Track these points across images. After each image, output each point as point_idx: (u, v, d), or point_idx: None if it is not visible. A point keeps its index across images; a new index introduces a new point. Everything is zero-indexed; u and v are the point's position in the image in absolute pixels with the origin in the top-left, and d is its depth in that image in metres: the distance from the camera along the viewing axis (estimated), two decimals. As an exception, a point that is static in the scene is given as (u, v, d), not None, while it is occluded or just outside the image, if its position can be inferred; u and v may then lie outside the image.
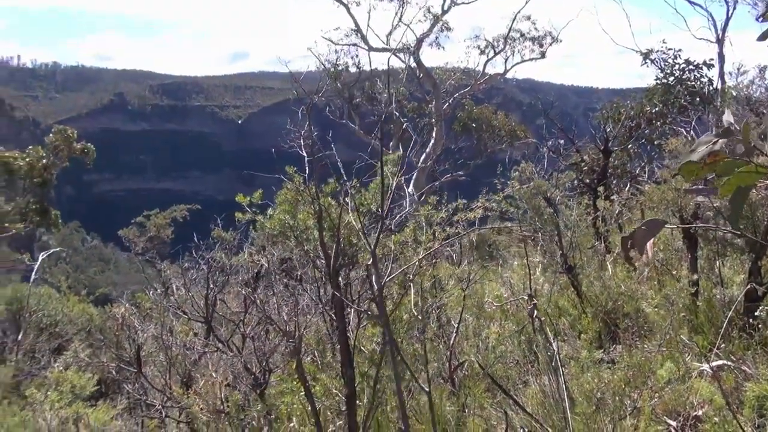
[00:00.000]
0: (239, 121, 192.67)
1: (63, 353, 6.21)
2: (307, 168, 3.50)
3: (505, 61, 27.29)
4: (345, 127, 27.74)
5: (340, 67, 27.36)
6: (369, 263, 3.15)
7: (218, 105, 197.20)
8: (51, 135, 26.14)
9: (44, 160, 25.57)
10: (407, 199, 5.69)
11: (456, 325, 5.14)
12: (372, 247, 2.94)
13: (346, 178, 3.57)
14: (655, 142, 13.36)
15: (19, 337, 7.18)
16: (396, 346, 3.22)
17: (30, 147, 26.15)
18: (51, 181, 27.53)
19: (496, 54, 26.91)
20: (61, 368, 4.77)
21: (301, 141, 3.47)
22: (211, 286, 6.01)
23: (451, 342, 4.88)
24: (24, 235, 28.12)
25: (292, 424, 4.05)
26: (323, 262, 3.47)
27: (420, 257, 3.90)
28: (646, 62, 19.09)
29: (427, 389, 3.21)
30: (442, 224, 4.95)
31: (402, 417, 3.11)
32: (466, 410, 4.27)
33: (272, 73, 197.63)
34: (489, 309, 6.43)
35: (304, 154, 3.46)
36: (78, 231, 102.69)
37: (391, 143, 25.78)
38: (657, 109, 15.36)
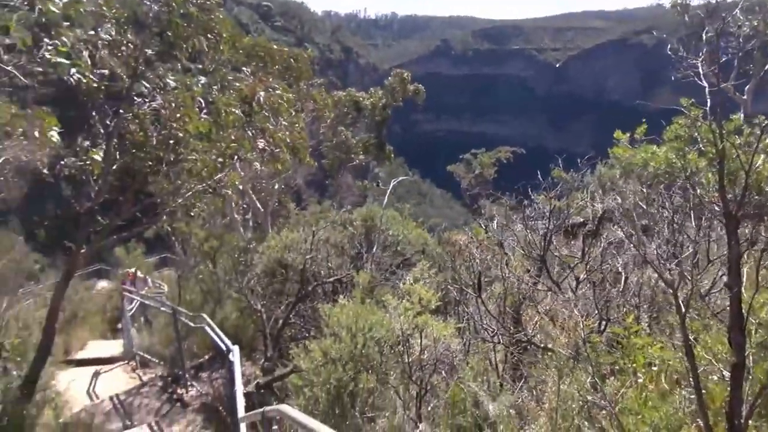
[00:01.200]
0: (556, 65, 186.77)
1: (411, 269, 7.10)
2: (708, 100, 3.04)
3: None
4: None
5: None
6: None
7: (536, 48, 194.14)
8: (390, 78, 29.33)
9: (383, 100, 28.93)
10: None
11: None
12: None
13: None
14: None
15: (374, 249, 8.43)
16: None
17: (372, 89, 29.81)
18: (388, 119, 31.04)
19: None
20: (411, 281, 5.38)
21: (699, 69, 3.01)
22: (549, 226, 5.99)
23: None
24: (362, 166, 32.61)
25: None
26: (720, 208, 3.02)
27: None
28: None
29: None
30: None
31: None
32: None
33: (597, 12, 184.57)
34: None
35: (705, 84, 3.01)
36: (402, 166, 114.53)
37: (747, 87, 21.71)
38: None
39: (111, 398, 10.69)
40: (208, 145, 8.22)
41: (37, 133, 5.73)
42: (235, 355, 6.34)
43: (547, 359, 4.64)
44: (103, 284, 26.57)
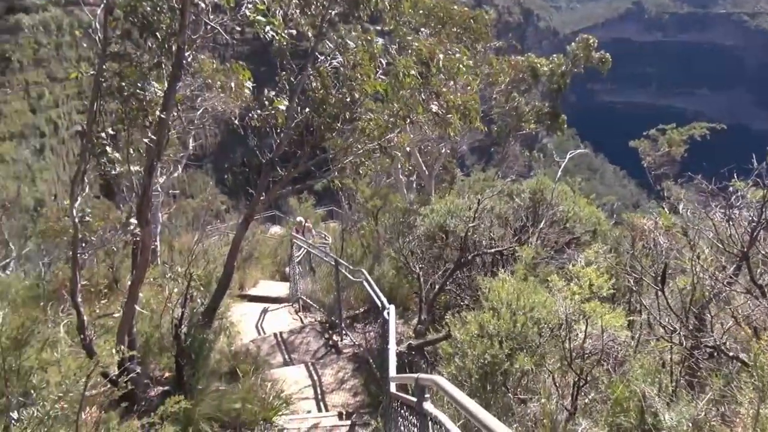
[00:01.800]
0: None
1: (581, 249, 6.64)
2: None
3: None
4: None
5: None
6: None
7: (748, 12, 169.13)
8: (573, 44, 27.38)
9: (563, 67, 27.22)
10: None
11: None
12: None
13: None
14: None
15: (541, 225, 8.02)
16: None
17: (554, 55, 28.14)
18: (565, 87, 29.26)
19: None
20: (582, 264, 4.97)
21: None
22: (759, 219, 5.11)
23: None
24: (530, 135, 31.26)
25: None
26: None
27: None
28: None
29: None
30: None
31: None
32: None
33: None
34: None
35: None
36: (573, 138, 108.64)
37: None
38: None
39: (275, 335, 11.66)
40: (383, 105, 8.31)
41: (233, 86, 6.19)
42: (391, 314, 6.46)
43: (743, 373, 4.02)
44: (275, 230, 28.96)
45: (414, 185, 18.08)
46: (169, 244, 17.71)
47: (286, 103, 7.20)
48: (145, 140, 6.01)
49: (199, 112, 8.26)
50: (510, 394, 4.83)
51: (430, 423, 3.27)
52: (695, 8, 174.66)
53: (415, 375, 3.84)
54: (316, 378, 9.47)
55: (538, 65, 25.36)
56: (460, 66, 8.00)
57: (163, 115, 5.81)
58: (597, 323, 4.65)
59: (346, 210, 18.30)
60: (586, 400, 5.04)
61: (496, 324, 4.75)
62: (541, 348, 4.87)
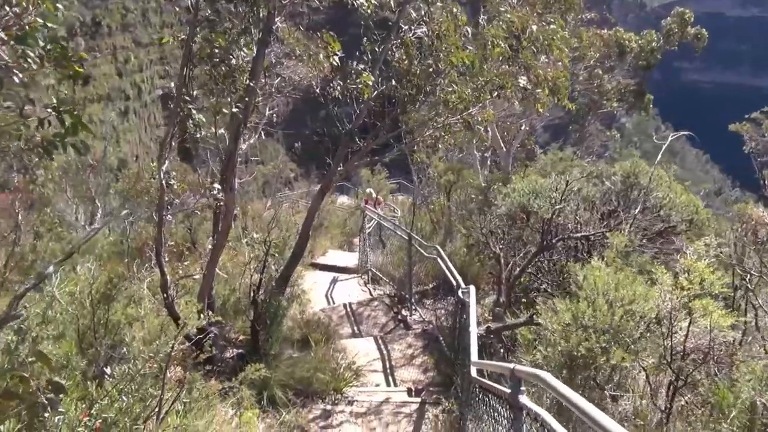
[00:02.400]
0: None
1: (678, 238, 6.18)
2: None
3: None
4: None
5: None
6: None
7: None
8: (669, 18, 25.63)
9: (653, 44, 25.58)
10: None
11: None
12: None
13: None
14: None
15: (636, 210, 7.52)
16: None
17: (645, 30, 26.45)
18: (654, 65, 27.58)
19: None
20: (692, 257, 4.57)
21: None
22: None
23: None
24: (608, 114, 29.70)
25: None
26: None
27: None
28: None
29: None
30: None
31: None
32: None
33: None
34: None
35: None
36: (655, 118, 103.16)
37: None
38: None
39: (344, 305, 11.72)
40: (466, 78, 7.98)
41: (321, 57, 6.06)
42: (471, 296, 6.26)
43: None
44: (343, 200, 29.15)
45: (488, 162, 17.60)
46: (242, 209, 18.13)
47: (372, 78, 7.02)
48: (234, 107, 5.99)
49: (276, 81, 8.21)
50: (599, 390, 4.56)
51: (527, 418, 3.08)
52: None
53: (509, 365, 3.65)
54: (385, 352, 9.45)
55: (626, 41, 23.96)
56: (555, 38, 7.53)
57: (251, 82, 5.76)
58: (703, 321, 4.28)
59: (416, 183, 18.10)
60: (682, 402, 4.70)
61: (592, 315, 4.46)
62: (639, 343, 4.55)
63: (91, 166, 16.31)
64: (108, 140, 41.10)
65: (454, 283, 8.34)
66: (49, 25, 3.35)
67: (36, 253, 10.51)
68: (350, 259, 16.21)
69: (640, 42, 24.39)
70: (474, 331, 5.20)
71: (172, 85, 7.71)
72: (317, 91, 9.03)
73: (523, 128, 15.21)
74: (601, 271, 4.78)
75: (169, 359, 4.14)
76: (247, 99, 5.94)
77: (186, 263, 8.95)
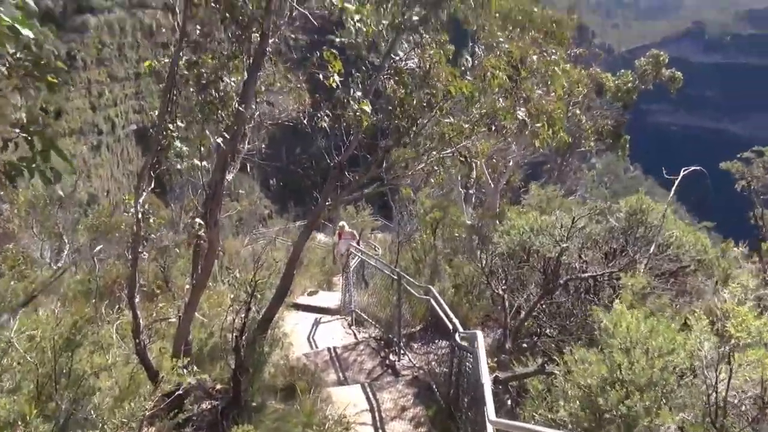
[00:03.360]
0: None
1: (718, 283, 5.80)
2: None
3: None
4: None
5: None
6: None
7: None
8: (643, 59, 26.17)
9: (629, 84, 26.02)
10: None
11: None
12: None
13: None
14: None
15: (651, 249, 7.14)
16: None
17: (621, 71, 26.95)
18: (632, 105, 28.03)
19: None
20: (731, 300, 4.15)
21: None
22: None
23: None
24: (581, 153, 29.87)
25: None
26: None
27: None
28: None
29: None
30: None
31: None
32: None
33: None
34: None
35: None
36: (625, 159, 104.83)
37: None
38: None
39: (329, 349, 11.02)
40: (467, 108, 7.64)
41: (321, 77, 5.63)
42: (479, 342, 5.69)
43: None
44: (320, 237, 28.42)
45: (473, 198, 17.27)
46: (222, 247, 17.37)
47: (370, 107, 6.60)
48: (221, 135, 5.48)
49: (267, 109, 7.76)
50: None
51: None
52: (760, 30, 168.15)
53: (542, 429, 3.10)
54: (374, 402, 8.77)
55: (605, 80, 24.30)
56: (556, 69, 7.26)
57: (241, 108, 5.27)
58: (754, 373, 3.82)
59: (398, 221, 17.62)
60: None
61: (630, 368, 3.96)
62: (677, 399, 4.05)
63: (58, 200, 15.49)
64: (78, 174, 39.98)
65: (450, 326, 7.81)
66: (22, 30, 2.82)
67: (-5, 294, 9.66)
68: (332, 299, 15.50)
69: (616, 82, 24.81)
70: (488, 384, 4.65)
71: (149, 118, 7.20)
72: (304, 121, 8.59)
73: (510, 164, 14.96)
74: (632, 316, 4.32)
75: (142, 425, 3.50)
76: (236, 127, 5.43)
77: (160, 305, 8.27)
